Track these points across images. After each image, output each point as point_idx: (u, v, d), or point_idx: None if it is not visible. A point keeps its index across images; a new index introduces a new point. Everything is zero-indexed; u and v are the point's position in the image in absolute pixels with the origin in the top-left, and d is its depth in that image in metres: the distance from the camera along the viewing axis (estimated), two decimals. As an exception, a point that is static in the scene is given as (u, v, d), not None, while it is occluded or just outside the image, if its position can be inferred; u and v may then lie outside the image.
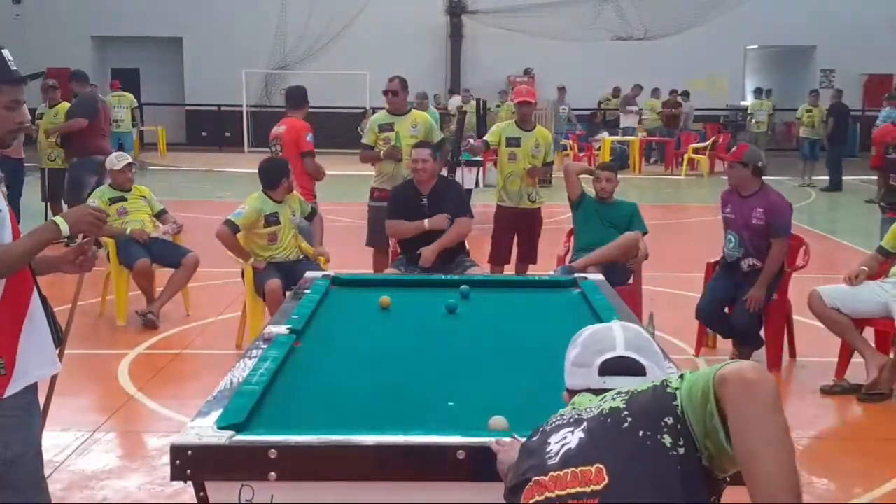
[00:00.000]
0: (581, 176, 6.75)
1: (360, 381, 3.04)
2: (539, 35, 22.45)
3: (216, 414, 2.43)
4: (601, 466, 1.62)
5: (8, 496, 2.61)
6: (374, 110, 9.83)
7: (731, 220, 5.88)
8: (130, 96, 17.19)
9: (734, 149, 6.06)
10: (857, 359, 5.52)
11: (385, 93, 7.31)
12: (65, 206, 9.47)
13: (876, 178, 6.65)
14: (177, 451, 2.22)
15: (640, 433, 1.62)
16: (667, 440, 1.62)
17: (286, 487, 2.22)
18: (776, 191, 6.04)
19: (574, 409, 1.82)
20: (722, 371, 1.60)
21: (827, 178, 16.33)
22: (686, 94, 21.17)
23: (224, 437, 2.28)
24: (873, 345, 5.54)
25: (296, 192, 6.39)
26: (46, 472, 2.86)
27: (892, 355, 5.38)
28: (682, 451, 1.62)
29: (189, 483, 2.24)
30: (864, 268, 5.55)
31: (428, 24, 23.51)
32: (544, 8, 22.62)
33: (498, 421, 2.38)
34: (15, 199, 8.91)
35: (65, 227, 2.60)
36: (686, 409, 1.64)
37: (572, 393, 1.92)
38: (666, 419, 1.63)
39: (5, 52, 2.57)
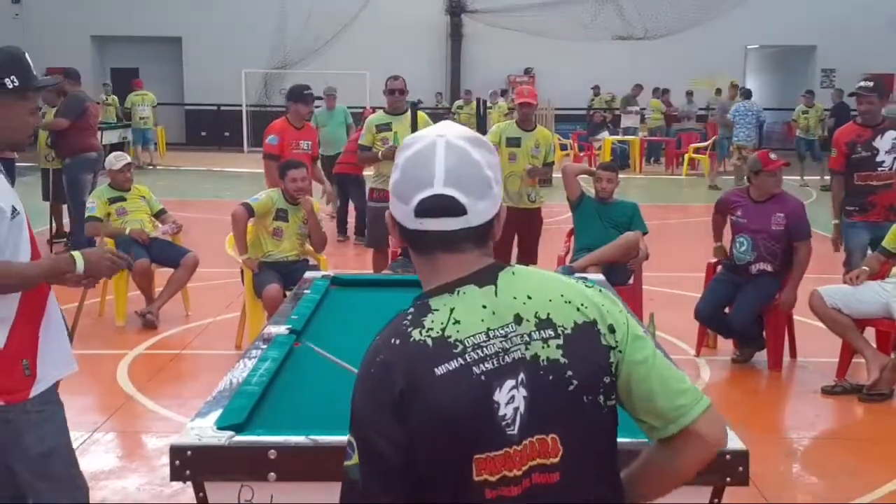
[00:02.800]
0: (581, 176, 6.74)
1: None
2: (539, 35, 22.45)
3: (216, 414, 2.42)
4: (556, 437, 1.58)
5: (45, 489, 2.67)
6: (374, 109, 9.83)
7: (744, 225, 5.86)
8: (152, 95, 18.66)
9: (773, 156, 6.03)
10: (858, 359, 5.52)
11: (392, 91, 7.23)
12: (65, 208, 9.47)
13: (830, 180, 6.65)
14: (176, 452, 2.22)
15: (584, 398, 1.60)
16: (601, 399, 1.62)
17: (286, 487, 2.22)
18: (789, 193, 6.05)
19: (491, 332, 1.58)
20: (711, 431, 1.66)
21: (819, 177, 16.32)
22: (690, 94, 21.20)
23: (224, 438, 2.27)
24: (874, 345, 5.54)
25: (318, 208, 6.37)
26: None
27: (893, 355, 5.38)
28: (611, 402, 1.64)
29: (188, 483, 2.24)
30: (864, 268, 5.55)
31: (428, 24, 23.51)
32: (544, 8, 22.63)
33: None
34: None
35: (80, 266, 2.67)
36: (625, 374, 1.63)
37: (400, 229, 1.66)
38: (604, 379, 1.62)
39: (28, 58, 2.63)
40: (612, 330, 1.63)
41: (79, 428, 4.63)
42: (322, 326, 3.66)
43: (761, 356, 5.96)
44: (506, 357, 1.57)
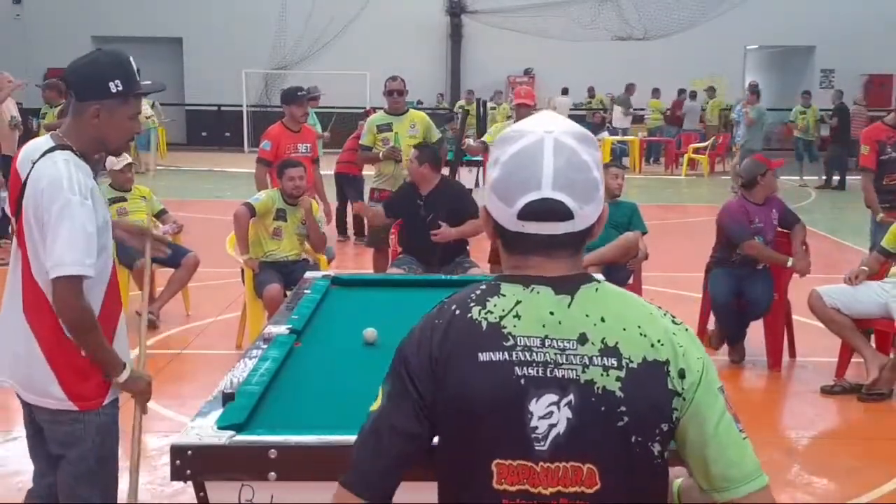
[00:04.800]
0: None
1: (359, 380, 3.03)
2: (539, 35, 22.47)
3: (216, 414, 2.43)
4: (593, 468, 1.50)
5: (82, 494, 2.74)
6: (374, 110, 9.84)
7: (760, 228, 5.91)
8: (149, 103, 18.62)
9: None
10: (857, 359, 5.53)
11: (390, 93, 7.24)
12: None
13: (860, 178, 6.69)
14: (177, 452, 2.22)
15: (633, 439, 1.50)
16: (656, 448, 1.52)
17: (286, 487, 2.22)
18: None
19: (548, 341, 1.52)
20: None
21: (817, 177, 16.36)
22: (693, 95, 21.21)
23: (224, 438, 2.27)
24: (873, 345, 5.55)
25: (316, 209, 6.38)
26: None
27: (892, 355, 5.39)
28: (667, 455, 1.54)
29: (189, 483, 2.24)
30: (864, 268, 5.56)
31: (428, 24, 23.54)
32: (544, 8, 22.66)
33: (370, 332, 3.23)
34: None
35: (122, 379, 2.77)
36: (683, 425, 1.53)
37: (498, 228, 1.59)
38: (662, 426, 1.51)
39: (132, 62, 2.68)
40: (682, 375, 1.51)
41: (79, 428, 4.66)
42: (322, 326, 3.67)
43: (761, 356, 5.97)
44: (555, 371, 1.50)
